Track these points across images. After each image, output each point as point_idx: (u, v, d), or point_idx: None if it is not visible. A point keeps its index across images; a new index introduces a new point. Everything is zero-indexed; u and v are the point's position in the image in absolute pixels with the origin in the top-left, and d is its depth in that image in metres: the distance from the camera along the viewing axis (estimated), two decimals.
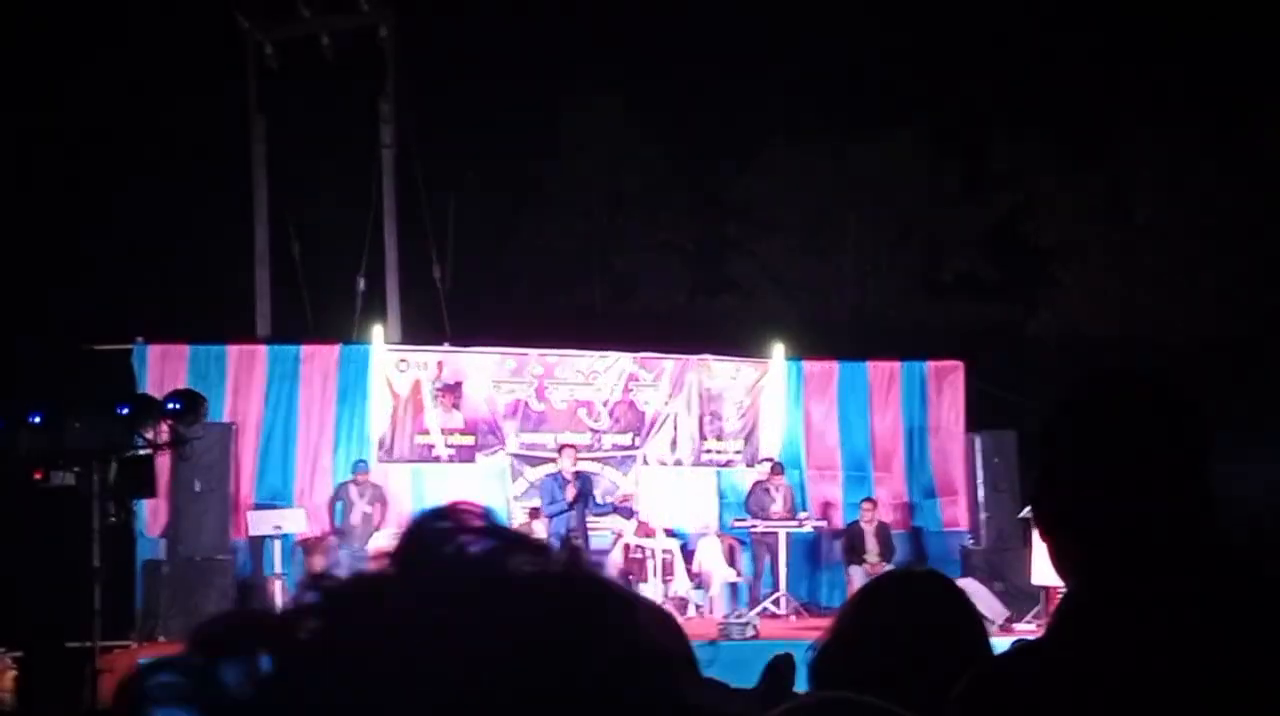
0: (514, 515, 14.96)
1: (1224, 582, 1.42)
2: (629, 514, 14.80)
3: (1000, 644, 2.31)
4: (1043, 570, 13.06)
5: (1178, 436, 1.49)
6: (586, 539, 12.68)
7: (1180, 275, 17.79)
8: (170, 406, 10.34)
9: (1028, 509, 13.29)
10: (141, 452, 10.18)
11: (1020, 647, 1.66)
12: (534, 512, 14.30)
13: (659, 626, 1.36)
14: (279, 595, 12.67)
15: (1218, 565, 1.43)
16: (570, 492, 12.29)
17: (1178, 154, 18.39)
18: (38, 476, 9.68)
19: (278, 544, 13.17)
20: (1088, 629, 1.45)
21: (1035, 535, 12.84)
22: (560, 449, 13.22)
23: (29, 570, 9.77)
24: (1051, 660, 1.47)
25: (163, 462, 12.43)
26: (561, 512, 12.33)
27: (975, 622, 2.25)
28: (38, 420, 9.80)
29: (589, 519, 13.74)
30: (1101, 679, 1.38)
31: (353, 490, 13.95)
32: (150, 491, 11.00)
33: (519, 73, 18.58)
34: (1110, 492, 1.46)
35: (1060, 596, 1.60)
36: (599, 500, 14.75)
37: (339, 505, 14.13)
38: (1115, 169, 18.53)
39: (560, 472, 12.72)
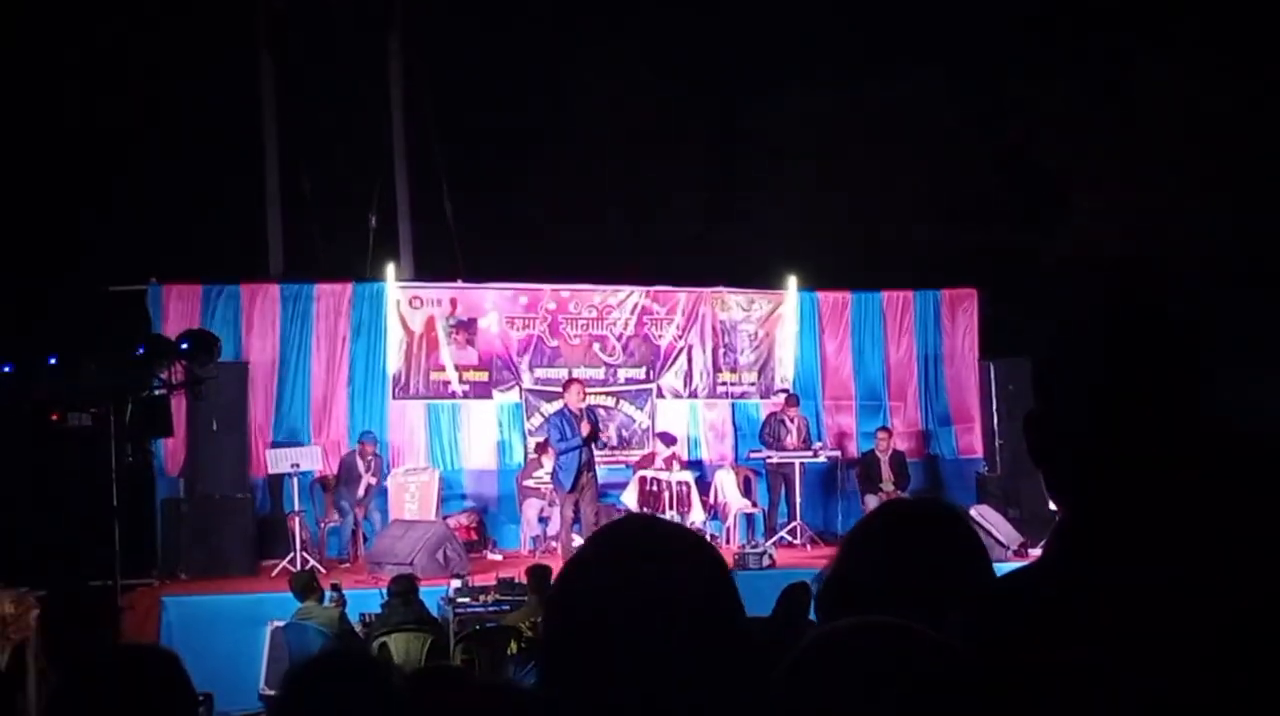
0: (529, 450, 15.05)
1: (1220, 501, 1.42)
2: (670, 441, 14.83)
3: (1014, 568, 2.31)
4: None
5: (1174, 357, 1.48)
6: (594, 473, 12.69)
7: (1196, 198, 17.66)
8: (184, 346, 10.37)
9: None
10: (157, 393, 10.23)
11: (1018, 570, 1.66)
12: (540, 447, 14.37)
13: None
14: (298, 532, 12.77)
15: (1215, 485, 1.43)
16: (585, 428, 12.25)
17: (1194, 75, 18.18)
18: (55, 418, 9.74)
19: (296, 481, 13.24)
20: (1082, 549, 1.46)
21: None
22: (566, 384, 13.15)
23: (50, 510, 9.85)
24: (1047, 581, 1.48)
25: (179, 403, 12.49)
26: (575, 449, 12.29)
27: (977, 550, 2.25)
28: (54, 362, 9.84)
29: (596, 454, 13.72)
30: (1096, 597, 1.39)
31: (359, 462, 13.99)
32: (167, 431, 11.06)
33: (532, 5, 18.40)
34: (1103, 413, 1.45)
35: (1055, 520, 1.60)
36: (612, 436, 14.82)
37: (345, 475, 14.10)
38: (1130, 91, 18.35)
39: (566, 407, 12.66)
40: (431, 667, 5.47)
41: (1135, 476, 1.43)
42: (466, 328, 15.28)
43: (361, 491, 13.85)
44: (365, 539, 13.74)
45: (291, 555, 12.58)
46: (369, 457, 14.00)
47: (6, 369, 9.96)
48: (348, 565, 13.46)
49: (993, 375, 15.30)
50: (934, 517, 2.29)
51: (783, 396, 15.36)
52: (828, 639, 1.36)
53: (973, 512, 13.53)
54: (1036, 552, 12.69)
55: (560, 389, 13.85)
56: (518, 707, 2.37)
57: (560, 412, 12.79)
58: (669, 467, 14.26)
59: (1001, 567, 2.18)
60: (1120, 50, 18.16)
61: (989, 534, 13.09)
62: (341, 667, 2.81)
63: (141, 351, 10.10)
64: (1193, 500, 1.40)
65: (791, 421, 14.81)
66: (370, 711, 2.61)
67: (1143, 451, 1.42)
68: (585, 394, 12.76)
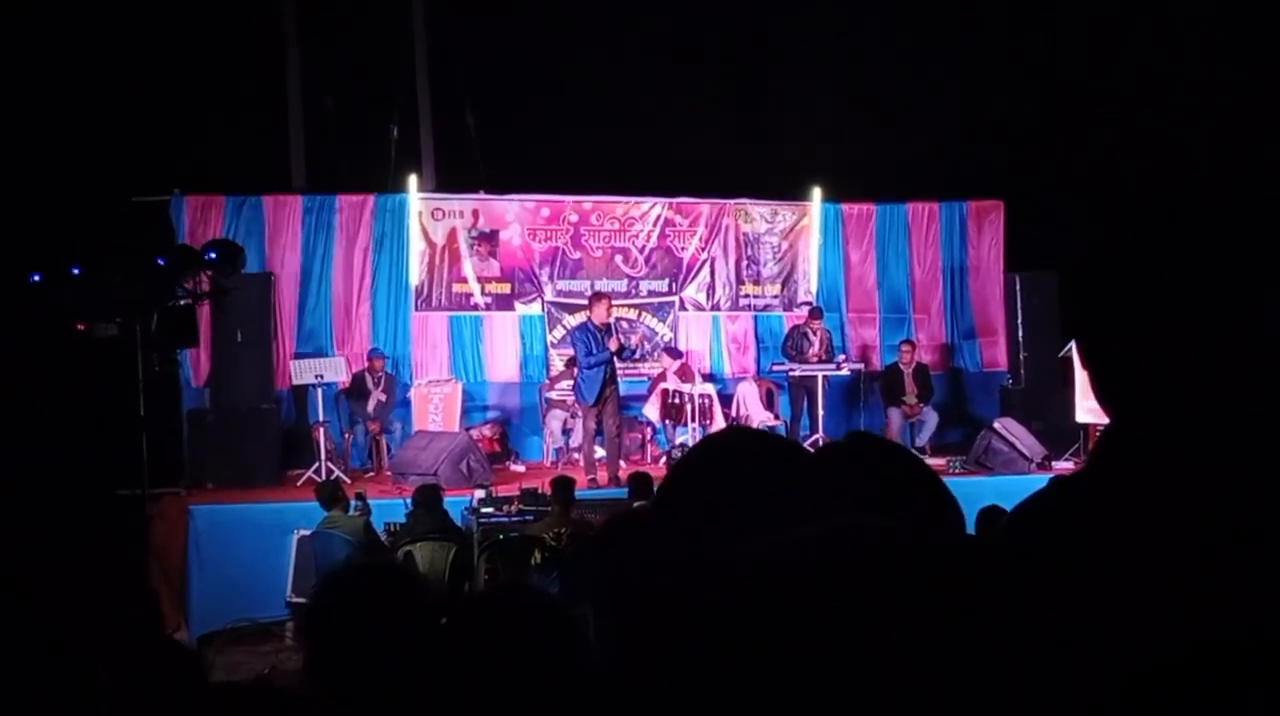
0: (552, 363, 15.07)
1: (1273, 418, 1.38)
2: (677, 354, 14.85)
3: (1038, 481, 2.28)
4: (1087, 407, 13.09)
5: (1237, 261, 1.41)
6: (617, 386, 12.66)
7: (1229, 109, 17.40)
8: (209, 256, 10.38)
9: (1068, 347, 13.23)
10: (182, 303, 10.25)
11: (1057, 481, 1.63)
12: (571, 362, 14.38)
13: None
14: (323, 442, 12.85)
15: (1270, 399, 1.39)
16: (613, 344, 12.15)
17: None
18: (81, 327, 9.78)
19: (320, 392, 13.30)
20: (1127, 460, 1.43)
21: (1076, 373, 12.83)
22: (592, 299, 13.02)
23: (77, 420, 9.92)
24: (1088, 492, 1.45)
25: (203, 313, 12.54)
26: (603, 363, 12.20)
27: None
28: (79, 272, 9.86)
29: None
30: (1138, 509, 1.36)
31: (368, 378, 14.01)
32: (192, 340, 11.12)
33: None
34: (1158, 315, 1.40)
35: (1101, 430, 1.57)
36: (633, 348, 14.81)
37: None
38: (1159, 1, 18.01)
39: (591, 321, 12.54)
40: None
41: (1188, 393, 1.39)
42: (488, 239, 15.26)
43: (371, 406, 13.92)
44: (388, 449, 13.83)
45: (316, 465, 12.68)
46: (378, 374, 14.04)
47: (33, 278, 9.98)
48: (372, 475, 13.57)
49: (1018, 288, 15.21)
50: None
51: (806, 309, 15.32)
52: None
53: (996, 425, 13.54)
54: (1060, 465, 12.75)
55: (582, 302, 13.82)
56: (548, 609, 2.38)
57: (585, 327, 12.68)
58: (684, 380, 14.26)
59: (1026, 481, 2.15)
60: None
61: (1013, 447, 13.11)
62: (372, 576, 2.83)
63: (166, 261, 10.10)
64: (1243, 417, 1.37)
65: (814, 334, 14.78)
66: (401, 619, 2.63)
67: (1199, 368, 1.38)
68: (611, 308, 12.68)
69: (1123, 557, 1.32)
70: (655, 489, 1.82)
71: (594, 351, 12.18)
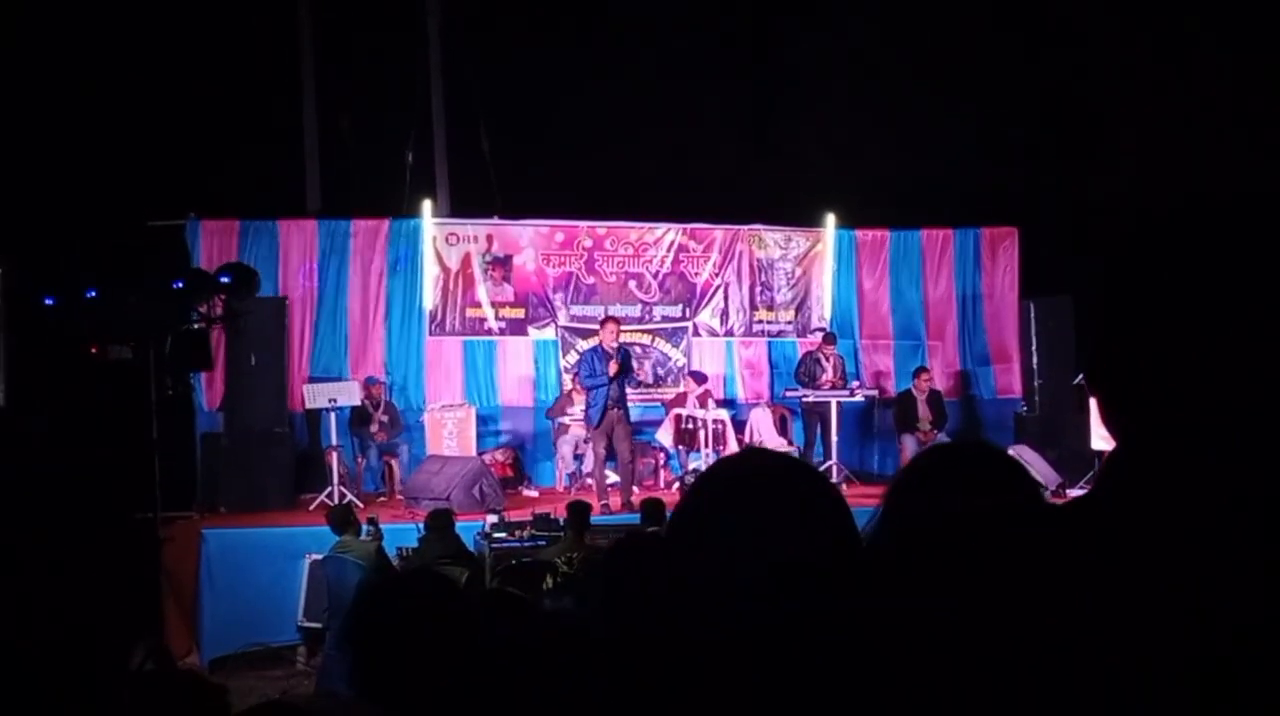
0: (565, 385, 15.07)
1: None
2: (701, 379, 14.83)
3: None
4: (1102, 435, 13.02)
5: (1246, 277, 1.37)
6: (627, 411, 12.67)
7: (1244, 135, 17.37)
8: (223, 280, 10.40)
9: (1082, 375, 13.17)
10: (196, 327, 10.27)
11: (1064, 504, 1.61)
12: (574, 379, 14.41)
13: None
14: (335, 466, 12.85)
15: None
16: (612, 368, 12.21)
17: (1244, 9, 17.82)
18: (94, 350, 9.80)
19: (334, 416, 13.30)
20: (1132, 485, 1.40)
21: (1092, 400, 12.85)
22: (603, 322, 13.10)
23: (89, 443, 9.91)
24: (1092, 515, 1.43)
25: (218, 337, 12.56)
26: (602, 386, 12.29)
27: (1034, 496, 2.20)
28: (94, 295, 9.89)
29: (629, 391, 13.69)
30: (1141, 534, 1.35)
31: (367, 405, 14.01)
32: (206, 364, 11.14)
33: None
34: (1174, 338, 1.37)
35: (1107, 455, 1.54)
36: (647, 374, 14.80)
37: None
38: (1177, 27, 18.01)
39: (601, 345, 12.61)
40: (499, 591, 5.52)
41: (1202, 406, 1.37)
42: (503, 264, 15.28)
43: (374, 428, 13.92)
44: (400, 474, 13.82)
45: (329, 489, 12.67)
46: (377, 399, 14.04)
47: (48, 302, 10.01)
48: (384, 499, 13.56)
49: (1033, 314, 15.18)
50: (986, 461, 2.24)
51: (820, 335, 15.30)
52: None
53: (1011, 452, 13.45)
54: (1075, 493, 12.69)
55: (596, 327, 13.80)
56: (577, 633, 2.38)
57: (594, 349, 12.76)
58: (703, 405, 14.25)
59: None
60: None
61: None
62: (415, 585, 2.83)
63: (180, 284, 10.13)
64: (1250, 426, 1.35)
65: (827, 360, 14.76)
66: (441, 628, 2.63)
67: (1215, 393, 1.35)
68: (620, 332, 12.71)
69: (1133, 572, 1.31)
70: (670, 511, 1.82)
71: (596, 373, 12.26)
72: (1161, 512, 1.33)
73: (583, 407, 13.74)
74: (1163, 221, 1.43)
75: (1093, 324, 1.50)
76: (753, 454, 1.89)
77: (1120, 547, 1.32)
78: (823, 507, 1.73)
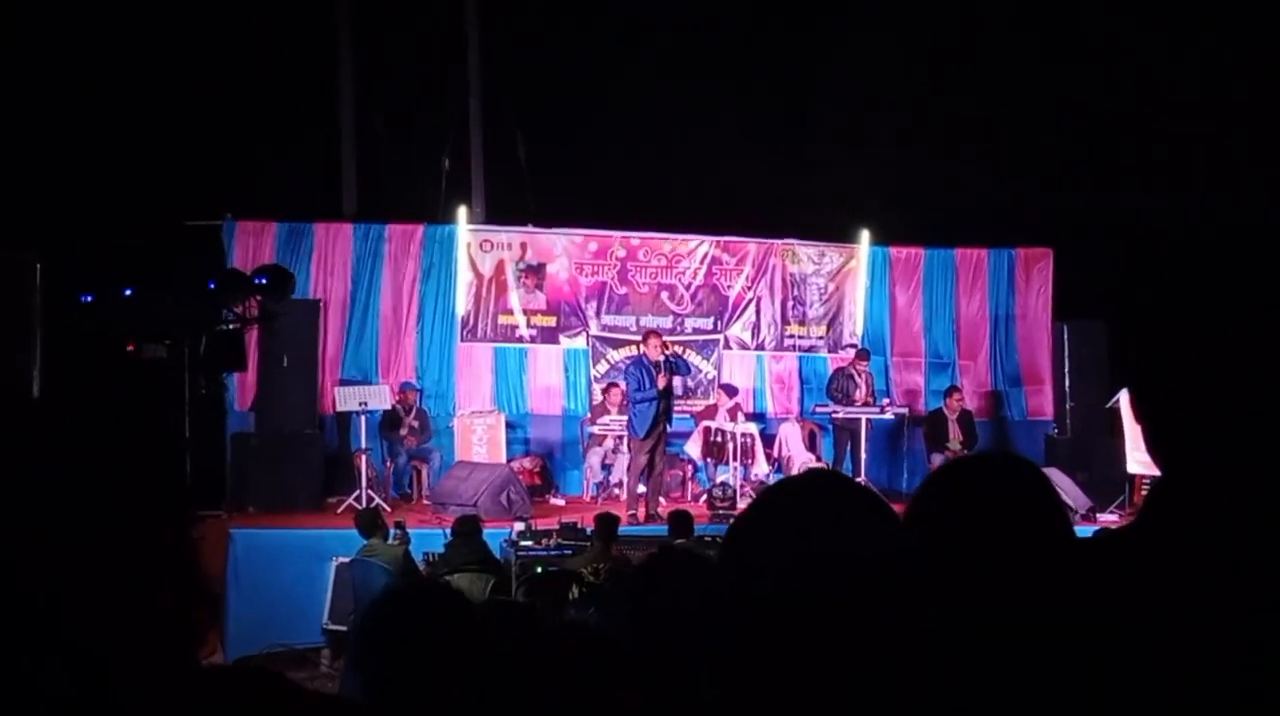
0: (594, 397, 15.08)
1: None
2: (733, 392, 14.82)
3: (1082, 533, 2.26)
4: (1136, 458, 12.94)
5: None
6: (670, 423, 12.69)
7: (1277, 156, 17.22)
8: (259, 282, 10.45)
9: (1115, 398, 13.00)
10: (230, 327, 10.32)
11: (1106, 533, 1.60)
12: (606, 391, 14.41)
13: None
14: (364, 470, 12.88)
15: None
16: (662, 381, 12.22)
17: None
18: (130, 348, 9.86)
19: (364, 419, 13.34)
20: (1179, 515, 1.39)
21: (1125, 423, 12.56)
22: (645, 335, 13.12)
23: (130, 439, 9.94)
24: (1138, 546, 1.42)
25: (251, 338, 12.61)
26: (651, 400, 12.28)
27: (1057, 508, 2.20)
28: (130, 293, 9.95)
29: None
30: (1187, 566, 1.33)
31: (399, 409, 14.05)
32: (239, 364, 11.18)
33: None
34: (1228, 368, 1.36)
35: (1151, 483, 1.53)
36: (678, 386, 14.80)
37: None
38: (1212, 47, 17.90)
39: (644, 357, 12.62)
40: (499, 601, 5.53)
41: (1250, 448, 1.35)
42: (536, 272, 15.31)
43: (404, 432, 13.97)
44: (428, 479, 13.85)
45: (357, 492, 12.70)
46: (409, 404, 14.09)
47: (85, 299, 10.08)
48: (412, 504, 13.59)
49: (1065, 336, 15.11)
50: (1014, 473, 2.23)
51: (852, 351, 15.27)
52: None
53: None
54: (1105, 517, 12.59)
55: (626, 337, 13.86)
56: (592, 644, 2.38)
57: (639, 361, 12.76)
58: (733, 418, 14.23)
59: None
60: (1205, 7, 17.70)
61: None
62: (425, 597, 2.83)
63: (215, 285, 10.18)
64: None
65: (860, 376, 14.72)
66: (453, 641, 2.63)
67: (1264, 424, 1.34)
68: (664, 345, 12.75)
69: (1183, 606, 1.29)
70: (730, 524, 1.83)
71: (644, 387, 12.25)
72: (1212, 546, 1.32)
73: (614, 418, 13.79)
74: (1216, 248, 1.42)
75: (1141, 350, 1.48)
76: (819, 475, 1.89)
77: (1171, 581, 1.31)
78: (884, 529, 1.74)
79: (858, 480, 13.68)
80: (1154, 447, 1.44)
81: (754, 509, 1.82)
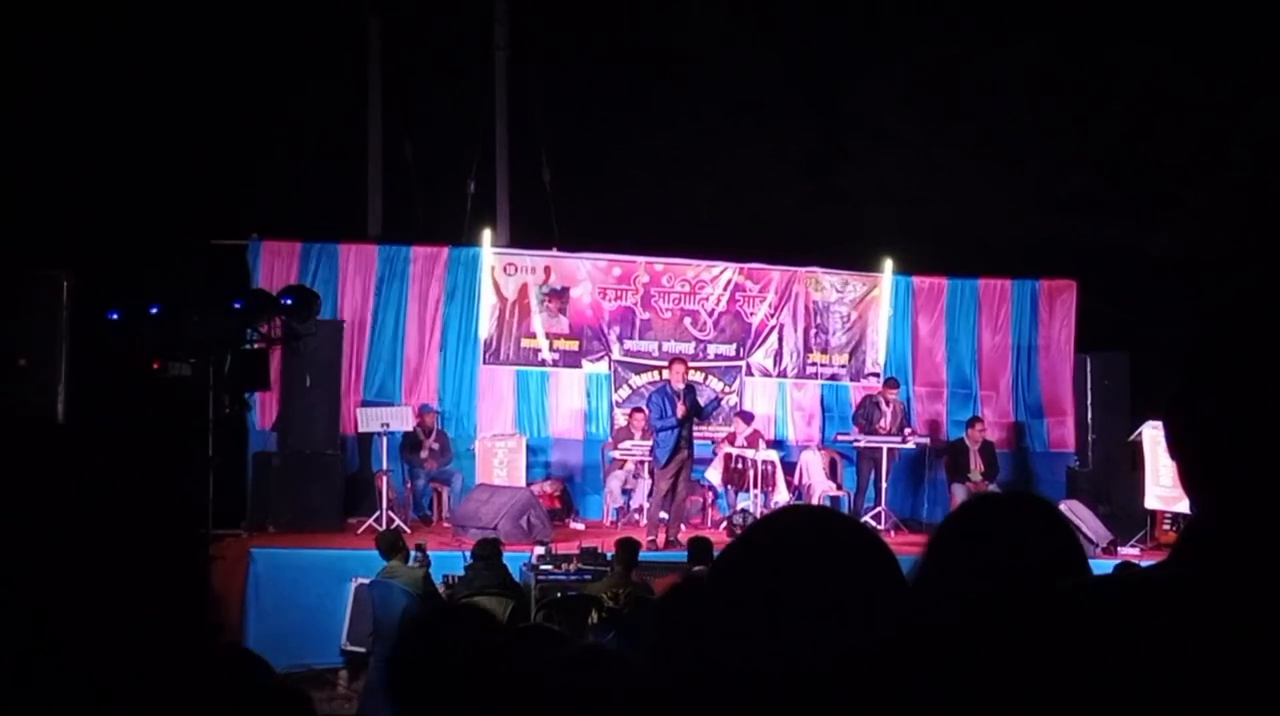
0: (616, 421, 15.09)
1: None
2: (749, 419, 14.83)
3: (1103, 566, 2.26)
4: (1156, 493, 12.88)
5: None
6: (691, 451, 12.70)
7: None
8: (285, 302, 10.48)
9: (1138, 432, 12.90)
10: (255, 346, 10.36)
11: (1134, 572, 1.57)
12: (633, 413, 14.42)
13: None
14: (385, 491, 12.91)
15: None
16: (681, 410, 12.29)
17: None
18: (155, 366, 9.90)
19: (385, 441, 13.37)
20: (1216, 555, 1.37)
21: (1147, 457, 12.45)
22: (671, 363, 13.19)
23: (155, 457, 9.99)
24: (1171, 586, 1.40)
25: (274, 358, 12.66)
26: (672, 428, 12.34)
27: (1075, 547, 2.20)
28: (156, 312, 10.00)
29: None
30: (1225, 608, 1.31)
31: (419, 432, 14.08)
32: (264, 384, 11.19)
33: None
34: (1266, 406, 1.34)
35: (1186, 520, 1.51)
36: (706, 411, 14.83)
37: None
38: (1244, 83, 17.89)
39: (668, 384, 12.68)
40: (532, 626, 5.53)
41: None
42: (559, 296, 15.34)
43: (424, 454, 13.99)
44: (449, 502, 13.86)
45: (378, 513, 12.73)
46: (429, 427, 14.12)
47: (112, 316, 10.14)
48: (432, 526, 13.60)
49: (1089, 368, 15.06)
50: (1033, 513, 2.24)
51: (876, 379, 15.27)
52: None
53: (1062, 507, 13.34)
54: (1126, 551, 12.51)
55: (649, 362, 13.86)
56: (617, 667, 2.38)
57: (662, 389, 12.82)
58: (752, 445, 14.22)
59: (1092, 566, 2.13)
60: (1239, 41, 17.70)
61: (1078, 530, 12.91)
62: (459, 620, 2.85)
63: (240, 304, 10.21)
64: None
65: (887, 405, 14.70)
66: (481, 661, 2.64)
67: None
68: (688, 373, 12.79)
69: (1222, 652, 1.28)
70: (714, 558, 1.84)
71: (666, 414, 12.31)
72: (1251, 589, 1.31)
73: (636, 443, 13.82)
74: (1262, 286, 1.40)
75: (1179, 388, 1.46)
76: (803, 512, 1.86)
77: (1209, 624, 1.30)
78: (871, 578, 1.72)
79: (871, 511, 13.68)
80: (1189, 487, 1.42)
81: (736, 551, 1.81)
